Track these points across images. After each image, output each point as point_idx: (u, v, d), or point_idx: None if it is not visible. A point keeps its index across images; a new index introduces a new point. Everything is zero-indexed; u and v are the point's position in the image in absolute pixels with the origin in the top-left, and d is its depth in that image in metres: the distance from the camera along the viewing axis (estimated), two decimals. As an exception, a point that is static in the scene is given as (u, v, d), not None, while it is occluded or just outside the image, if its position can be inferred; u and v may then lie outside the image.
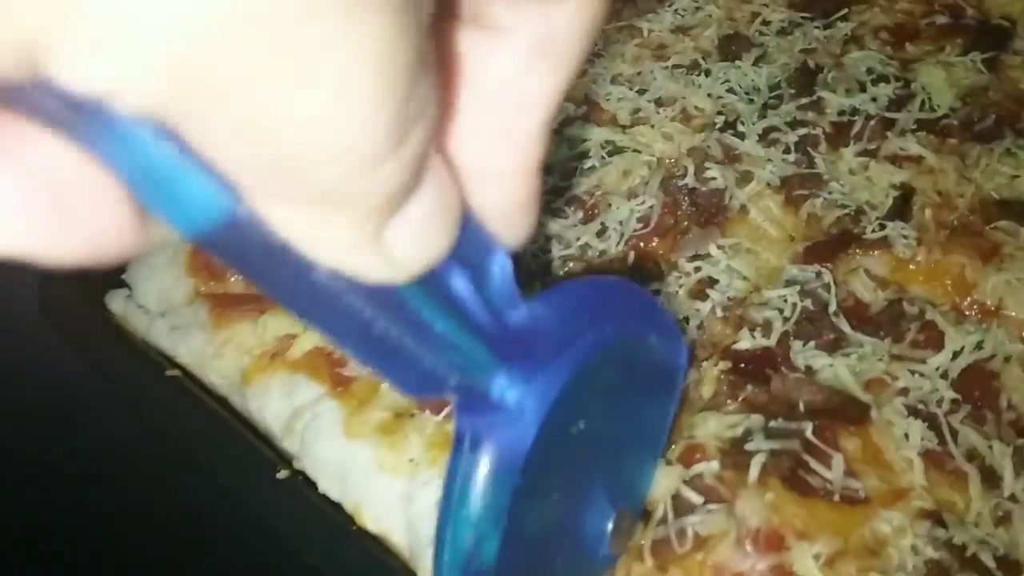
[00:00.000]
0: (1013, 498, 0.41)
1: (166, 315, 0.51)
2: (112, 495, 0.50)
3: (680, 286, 0.50)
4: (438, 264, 0.22)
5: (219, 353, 0.49)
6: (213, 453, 0.45)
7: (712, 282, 0.51)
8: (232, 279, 0.51)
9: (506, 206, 0.24)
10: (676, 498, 0.40)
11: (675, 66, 0.61)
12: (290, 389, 0.46)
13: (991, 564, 0.39)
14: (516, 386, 0.28)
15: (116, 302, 0.52)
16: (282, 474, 0.44)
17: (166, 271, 0.52)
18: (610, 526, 0.36)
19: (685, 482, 0.40)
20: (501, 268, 0.26)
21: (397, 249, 0.20)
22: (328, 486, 0.43)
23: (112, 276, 0.53)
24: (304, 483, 0.44)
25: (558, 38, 0.22)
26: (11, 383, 0.54)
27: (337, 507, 0.43)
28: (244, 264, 0.20)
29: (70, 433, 0.53)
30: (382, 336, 0.23)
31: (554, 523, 0.34)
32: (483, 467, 0.29)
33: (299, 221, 0.18)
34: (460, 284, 0.24)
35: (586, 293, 0.32)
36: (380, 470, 0.42)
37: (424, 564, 0.40)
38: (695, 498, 0.40)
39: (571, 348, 0.30)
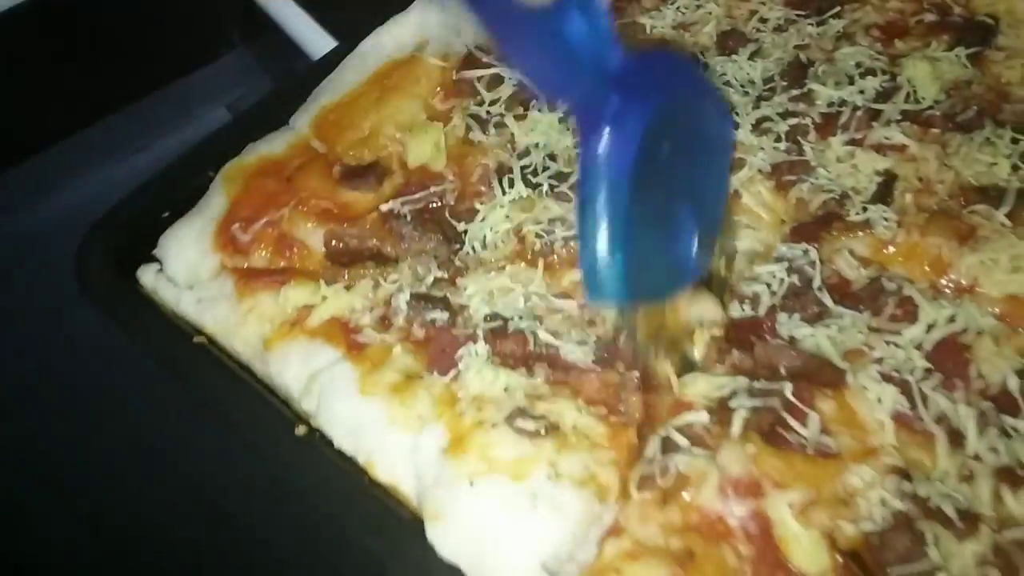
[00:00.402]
0: (977, 457, 0.44)
1: (194, 288, 0.55)
2: (145, 453, 0.54)
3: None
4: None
5: (243, 322, 0.52)
6: (238, 413, 0.49)
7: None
8: (255, 254, 0.55)
9: None
10: (665, 440, 0.44)
11: (674, 60, 0.65)
12: (308, 354, 0.50)
13: (953, 516, 0.42)
14: (623, 104, 0.40)
15: (147, 276, 0.56)
16: (300, 431, 0.48)
17: (194, 247, 0.56)
18: (695, 242, 0.47)
19: (676, 428, 0.44)
20: (599, 21, 0.39)
21: None
22: (342, 441, 0.47)
23: (143, 252, 0.57)
24: (320, 439, 0.48)
25: None
26: (49, 352, 0.58)
27: (350, 461, 0.47)
28: None
29: (104, 396, 0.56)
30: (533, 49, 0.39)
31: (656, 229, 0.45)
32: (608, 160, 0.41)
33: None
34: (578, 25, 0.39)
35: (665, 57, 0.48)
36: (391, 425, 0.46)
37: (430, 508, 0.43)
38: (682, 441, 0.43)
39: (659, 88, 0.42)
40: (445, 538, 0.42)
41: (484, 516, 0.42)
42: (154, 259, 0.56)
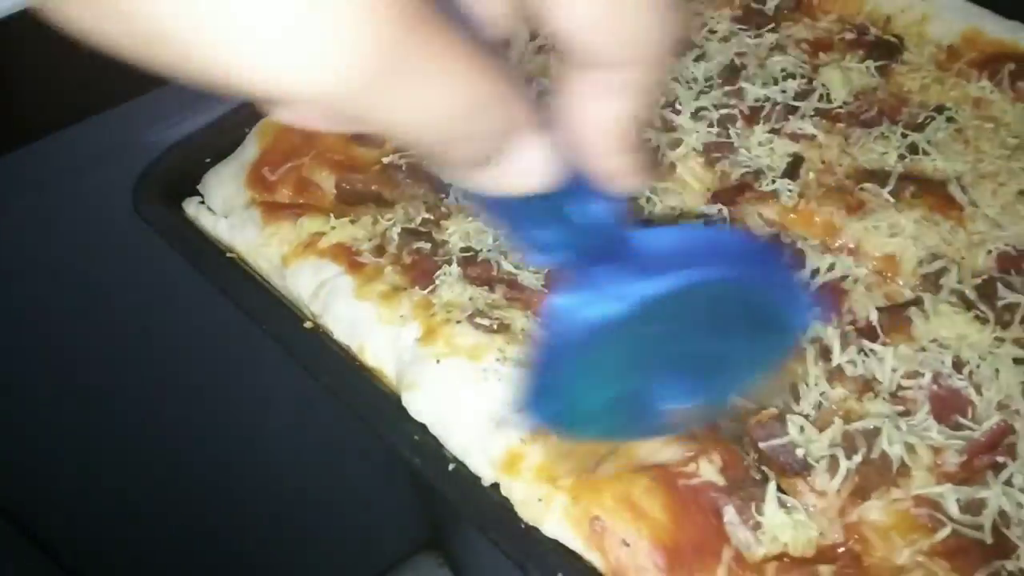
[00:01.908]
0: (839, 367, 0.56)
1: (228, 216, 0.68)
2: (187, 337, 0.66)
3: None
4: (551, 191, 0.32)
5: (266, 243, 0.65)
6: (259, 309, 0.61)
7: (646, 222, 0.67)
8: (279, 192, 0.68)
9: (603, 173, 0.33)
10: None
11: (633, 59, 0.77)
12: (317, 269, 0.63)
13: (812, 412, 0.54)
14: (609, 281, 0.36)
15: (191, 207, 0.69)
16: (307, 325, 0.60)
17: (230, 184, 0.68)
18: (676, 407, 0.42)
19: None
20: (606, 208, 0.34)
21: (507, 180, 0.30)
22: (341, 334, 0.60)
23: (188, 188, 0.70)
24: (323, 333, 0.60)
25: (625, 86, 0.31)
26: (110, 265, 0.71)
27: (346, 349, 0.59)
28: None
29: (155, 298, 0.69)
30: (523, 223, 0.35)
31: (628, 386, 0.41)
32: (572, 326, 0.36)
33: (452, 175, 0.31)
34: (577, 209, 0.34)
35: (705, 237, 0.40)
36: (379, 322, 0.58)
37: (405, 381, 0.55)
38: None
39: (664, 274, 0.37)
40: (416, 402, 0.54)
41: (446, 385, 0.54)
42: (197, 193, 0.69)
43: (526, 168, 0.31)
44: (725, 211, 0.64)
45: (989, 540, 0.48)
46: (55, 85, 1.00)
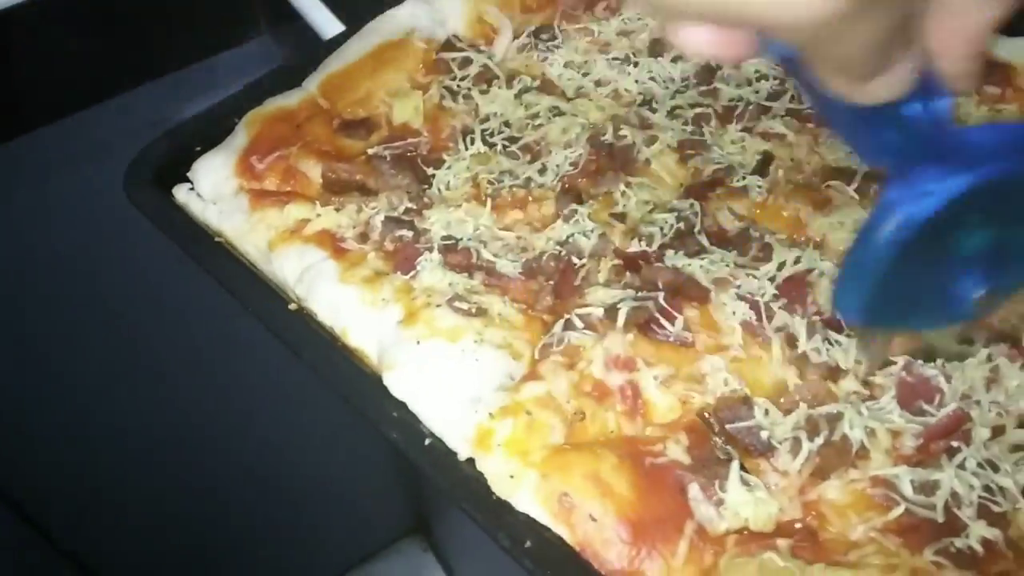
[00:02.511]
0: (804, 355, 0.58)
1: (216, 203, 0.69)
2: (177, 327, 0.68)
3: (593, 209, 0.69)
4: (902, 96, 0.37)
5: (253, 229, 0.67)
6: (245, 291, 0.63)
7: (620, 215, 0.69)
8: (266, 180, 0.70)
9: (956, 74, 0.38)
10: (567, 321, 0.58)
11: (614, 58, 0.80)
12: (302, 254, 0.64)
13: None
14: (929, 178, 0.41)
15: (180, 193, 0.71)
16: (292, 307, 0.62)
17: (219, 171, 0.70)
18: (979, 294, 0.46)
19: (576, 315, 0.58)
20: (945, 104, 0.39)
21: (878, 91, 0.36)
22: (324, 316, 0.61)
23: (178, 175, 0.71)
24: (307, 315, 0.62)
25: None
26: (102, 246, 0.73)
27: (329, 331, 0.61)
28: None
29: (140, 283, 0.71)
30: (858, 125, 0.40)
31: (933, 274, 0.46)
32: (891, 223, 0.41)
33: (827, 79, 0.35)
34: (915, 108, 0.39)
35: (1012, 132, 0.43)
36: (362, 305, 0.60)
37: (386, 361, 0.57)
38: (579, 323, 0.58)
39: (981, 167, 0.41)
40: (397, 382, 0.56)
41: (425, 365, 0.56)
42: (187, 180, 0.71)
43: (897, 76, 0.36)
44: (697, 205, 0.67)
45: (940, 519, 0.50)
46: (53, 76, 1.02)
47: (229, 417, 1.32)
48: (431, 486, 0.54)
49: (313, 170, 0.70)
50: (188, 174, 0.71)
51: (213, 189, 0.70)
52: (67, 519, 1.22)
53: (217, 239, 0.67)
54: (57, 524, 1.20)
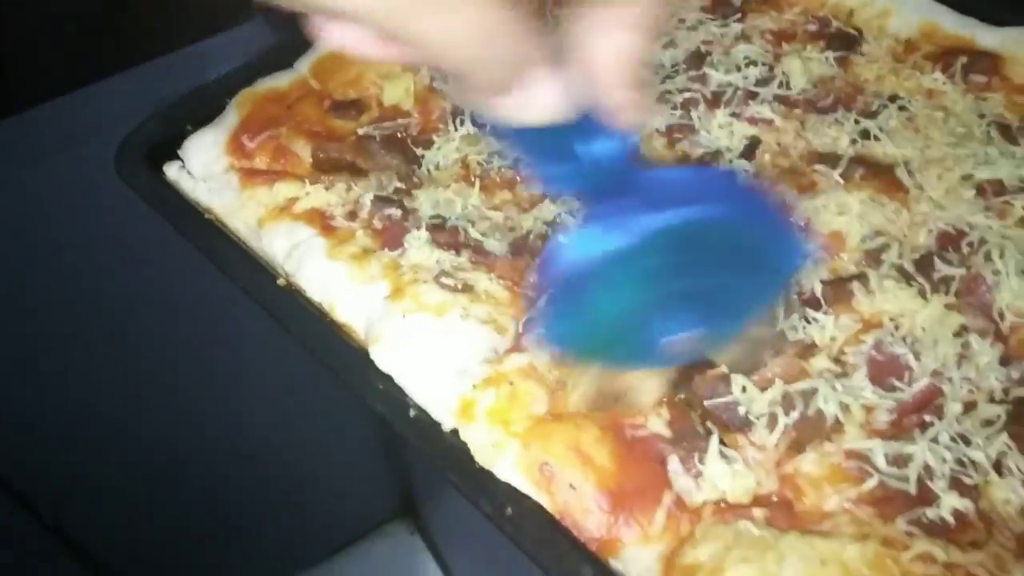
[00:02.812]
0: (781, 332, 0.59)
1: (207, 181, 0.70)
2: (164, 293, 0.68)
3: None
4: (559, 125, 0.37)
5: (243, 207, 0.68)
6: (234, 267, 0.63)
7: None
8: (257, 158, 0.70)
9: (610, 105, 0.38)
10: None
11: (604, 44, 0.80)
12: (291, 231, 0.65)
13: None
14: (600, 218, 0.42)
15: (171, 170, 0.71)
16: (281, 282, 0.63)
17: (210, 150, 0.71)
18: (676, 338, 0.47)
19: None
20: (616, 141, 0.40)
21: (522, 110, 0.37)
22: (313, 292, 0.62)
23: (169, 153, 0.72)
24: (296, 290, 0.63)
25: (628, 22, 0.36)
26: (94, 228, 0.74)
27: (317, 306, 0.62)
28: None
29: (131, 257, 0.71)
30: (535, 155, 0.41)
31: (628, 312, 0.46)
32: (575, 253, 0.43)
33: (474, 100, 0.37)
34: (582, 146, 0.40)
35: (704, 177, 0.46)
36: (350, 280, 0.61)
37: (373, 335, 0.58)
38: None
39: (664, 210, 0.42)
40: (383, 355, 0.57)
41: (411, 338, 0.57)
42: (178, 158, 0.72)
43: (540, 99, 0.36)
44: (683, 187, 0.68)
45: (913, 491, 0.51)
46: (44, 57, 1.02)
47: (218, 398, 1.32)
48: (416, 457, 0.54)
49: (303, 150, 0.71)
50: (179, 152, 0.72)
51: (204, 167, 0.70)
52: (53, 497, 1.23)
53: (207, 216, 0.68)
54: (44, 502, 1.20)
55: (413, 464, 1.54)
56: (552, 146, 0.40)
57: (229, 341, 1.12)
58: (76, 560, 1.36)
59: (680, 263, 0.45)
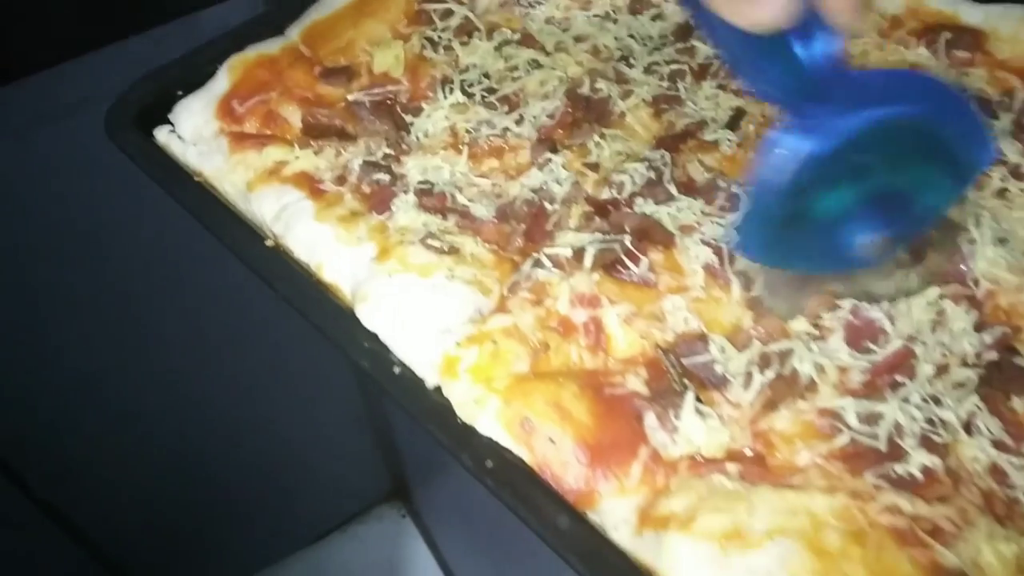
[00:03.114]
0: (759, 297, 0.60)
1: (196, 144, 0.71)
2: (151, 260, 0.69)
3: (567, 159, 0.70)
4: (786, 24, 0.40)
5: (232, 170, 0.68)
6: (223, 228, 0.64)
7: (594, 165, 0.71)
8: (247, 123, 0.71)
9: (835, 6, 0.41)
10: (536, 260, 0.60)
11: (594, 15, 0.81)
12: (280, 194, 0.66)
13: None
14: (819, 117, 0.44)
15: (161, 134, 0.72)
16: (269, 243, 0.64)
17: (200, 114, 0.71)
18: (870, 240, 0.51)
19: (545, 255, 0.60)
20: (830, 43, 0.43)
21: (759, 14, 0.40)
22: (301, 253, 0.63)
23: (160, 117, 0.73)
24: (284, 252, 0.64)
25: None
26: (86, 198, 0.75)
27: (304, 267, 0.63)
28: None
29: (121, 220, 0.72)
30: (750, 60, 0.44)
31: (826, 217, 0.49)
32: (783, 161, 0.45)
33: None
34: (806, 46, 0.42)
35: (900, 78, 0.48)
36: (337, 242, 0.62)
37: (359, 295, 0.59)
38: (547, 262, 0.60)
39: (873, 109, 0.45)
40: (369, 314, 0.58)
41: (397, 298, 0.58)
42: (168, 122, 0.72)
43: (774, 3, 0.39)
44: (667, 156, 0.68)
45: (883, 448, 0.52)
46: (36, 28, 1.02)
47: (212, 378, 1.33)
48: (400, 413, 0.55)
49: (293, 115, 0.72)
50: (169, 116, 0.73)
51: (194, 131, 0.71)
52: (44, 474, 1.23)
53: (197, 179, 0.68)
54: (34, 478, 1.21)
55: (404, 448, 1.55)
56: (770, 49, 0.42)
57: (223, 320, 1.14)
58: (70, 537, 1.37)
59: (881, 162, 0.47)
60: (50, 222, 0.99)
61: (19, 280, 1.01)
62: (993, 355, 0.56)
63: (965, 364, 0.56)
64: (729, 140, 0.71)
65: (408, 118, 0.73)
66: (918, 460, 0.52)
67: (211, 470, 1.49)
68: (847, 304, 0.59)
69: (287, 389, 1.48)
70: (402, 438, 1.50)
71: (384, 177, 0.67)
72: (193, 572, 1.63)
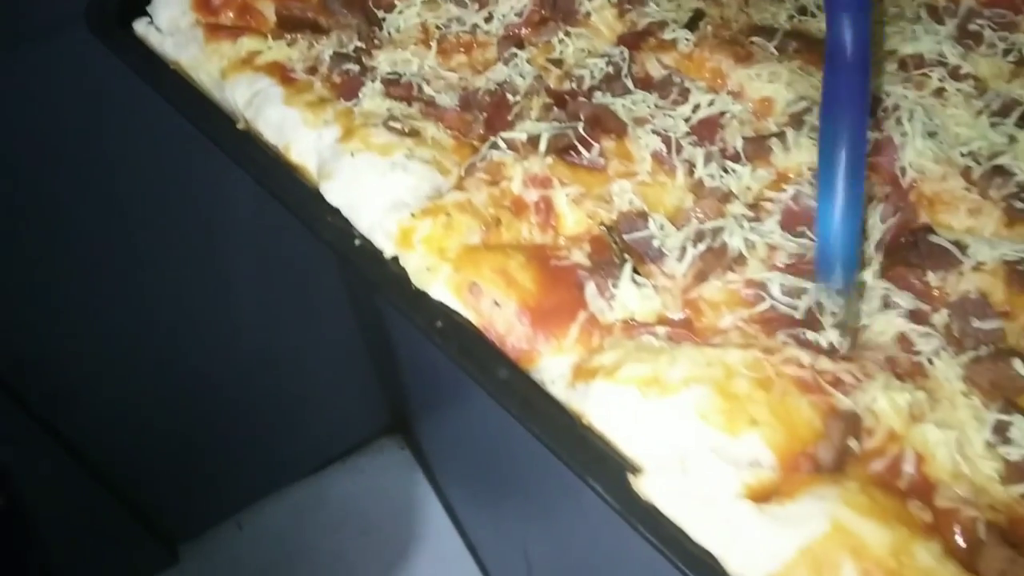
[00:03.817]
0: (700, 181, 0.64)
1: (174, 36, 0.74)
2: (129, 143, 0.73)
3: (532, 55, 0.73)
4: None
5: (208, 59, 0.71)
6: (196, 110, 0.68)
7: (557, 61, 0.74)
8: (222, 15, 0.74)
9: None
10: (493, 143, 0.64)
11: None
12: (253, 81, 0.69)
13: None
14: None
15: (140, 26, 0.75)
16: (240, 125, 0.67)
17: (177, 7, 0.74)
18: None
19: (502, 139, 0.64)
20: None
21: None
22: (270, 136, 0.67)
23: (139, 10, 0.75)
24: (255, 135, 0.67)
25: None
26: (67, 77, 0.78)
27: (273, 148, 0.67)
28: None
29: (103, 107, 0.75)
30: None
31: None
32: None
33: None
34: None
35: None
36: (304, 125, 0.66)
37: (324, 172, 0.63)
38: (503, 145, 0.63)
39: None
40: (332, 190, 0.62)
41: (358, 175, 0.62)
42: (147, 15, 0.75)
43: None
44: (626, 52, 0.71)
45: (799, 316, 0.57)
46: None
47: (213, 305, 1.36)
48: (361, 284, 0.60)
49: (268, 8, 0.75)
50: (147, 8, 0.75)
51: (171, 23, 0.74)
52: (43, 391, 1.27)
53: (173, 66, 0.72)
54: (35, 397, 1.25)
55: (404, 382, 1.59)
56: None
57: (223, 249, 1.16)
58: (70, 457, 1.40)
59: None
60: (44, 140, 1.01)
61: (11, 202, 1.04)
62: (911, 237, 0.61)
63: (878, 249, 0.60)
64: (687, 39, 0.74)
65: (380, 13, 0.76)
66: (830, 337, 0.56)
67: (213, 400, 1.52)
68: (791, 189, 0.63)
69: (289, 325, 1.51)
70: (403, 372, 1.54)
71: (354, 68, 0.70)
72: (195, 498, 1.68)
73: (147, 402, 1.45)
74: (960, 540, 0.48)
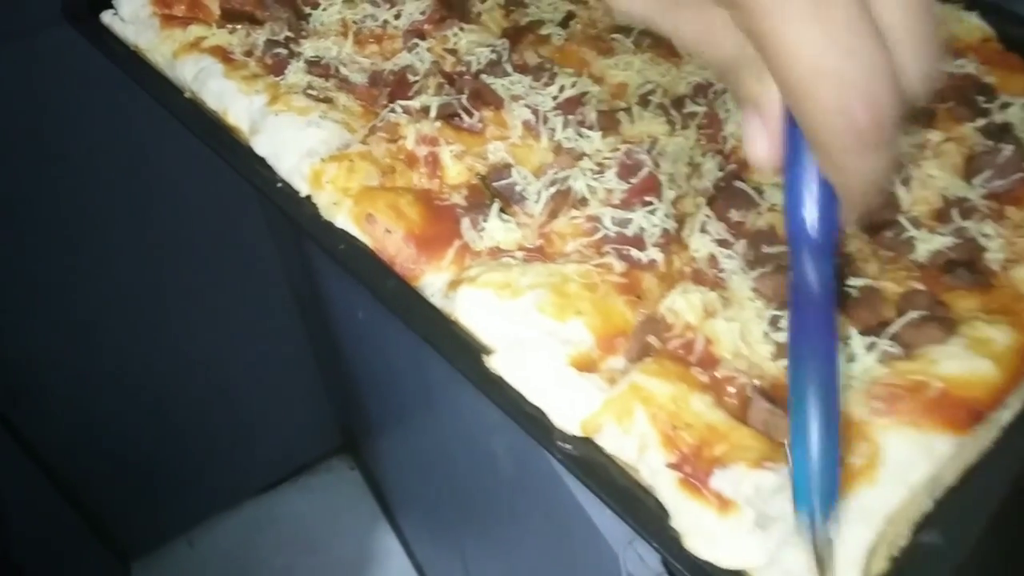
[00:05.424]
0: (559, 144, 0.80)
1: (135, 24, 0.88)
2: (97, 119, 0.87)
3: (431, 45, 0.89)
4: None
5: (162, 43, 0.86)
6: (149, 83, 0.83)
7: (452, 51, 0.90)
8: (175, 7, 0.89)
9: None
10: (392, 109, 0.79)
11: (467, -62, 1.00)
12: (198, 60, 0.84)
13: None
14: None
15: (106, 16, 0.90)
16: (187, 95, 0.82)
17: (137, 1, 0.89)
18: None
19: (399, 106, 0.79)
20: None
21: None
22: (212, 103, 0.82)
23: (105, 3, 0.90)
24: (199, 103, 0.82)
25: None
26: (40, 61, 0.92)
27: (214, 113, 0.81)
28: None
29: (74, 87, 0.89)
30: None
31: None
32: None
33: None
34: None
35: None
36: (239, 93, 0.80)
37: (253, 130, 0.77)
38: (400, 111, 0.78)
39: None
40: (260, 143, 0.77)
41: (280, 130, 0.77)
42: (111, 6, 0.90)
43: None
44: (507, 44, 0.87)
45: (629, 235, 0.72)
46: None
47: (164, 321, 1.44)
48: (281, 217, 0.74)
49: (213, 3, 0.90)
50: (112, 1, 0.90)
51: (132, 13, 0.89)
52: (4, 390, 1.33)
53: (133, 50, 0.86)
54: None
55: (353, 403, 1.65)
56: None
57: (175, 262, 1.24)
58: (28, 456, 1.45)
59: None
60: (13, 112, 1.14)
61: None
62: (722, 183, 0.77)
63: (699, 194, 0.77)
64: (559, 35, 0.90)
65: (307, 10, 0.91)
66: (652, 254, 0.72)
67: (164, 417, 1.57)
68: (623, 148, 0.79)
69: (240, 344, 1.56)
70: (353, 390, 1.59)
71: (283, 52, 0.85)
72: (146, 515, 1.71)
73: (100, 420, 1.48)
74: (733, 399, 0.64)
